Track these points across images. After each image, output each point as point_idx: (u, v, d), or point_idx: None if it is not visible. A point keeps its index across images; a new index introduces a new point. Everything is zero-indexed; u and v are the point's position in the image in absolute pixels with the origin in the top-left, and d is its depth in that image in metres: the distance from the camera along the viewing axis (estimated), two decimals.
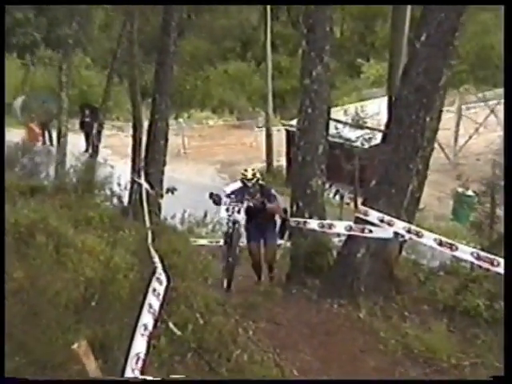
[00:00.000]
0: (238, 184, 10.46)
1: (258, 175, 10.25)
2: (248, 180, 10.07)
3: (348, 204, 21.08)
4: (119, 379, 4.68)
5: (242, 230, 10.38)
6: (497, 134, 25.29)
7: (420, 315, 8.29)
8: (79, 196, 13.97)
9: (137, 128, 17.70)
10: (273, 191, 10.35)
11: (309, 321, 8.16)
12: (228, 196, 10.36)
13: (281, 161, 28.37)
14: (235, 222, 10.14)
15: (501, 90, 28.48)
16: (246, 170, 10.36)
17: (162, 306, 6.05)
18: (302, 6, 10.67)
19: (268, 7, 29.76)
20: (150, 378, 4.70)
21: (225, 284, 10.19)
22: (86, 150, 22.26)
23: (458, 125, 27.39)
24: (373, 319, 8.04)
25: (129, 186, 16.67)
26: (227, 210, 10.09)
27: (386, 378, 6.04)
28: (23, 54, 35.69)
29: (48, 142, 24.00)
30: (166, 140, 16.23)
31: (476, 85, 29.19)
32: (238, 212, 10.08)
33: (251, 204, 10.02)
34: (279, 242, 15.48)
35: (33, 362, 5.74)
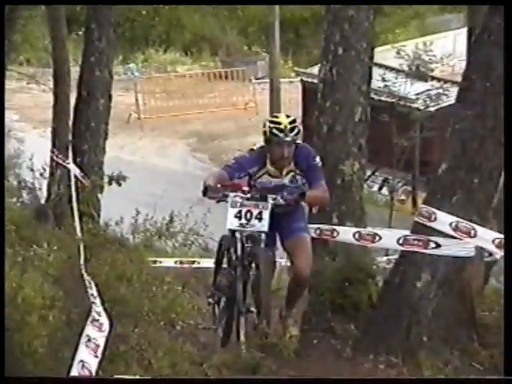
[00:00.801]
0: (248, 153, 9.04)
1: (297, 124, 8.80)
2: (283, 131, 8.50)
3: (402, 202, 21.21)
4: (119, 378, 4.75)
5: (263, 251, 8.67)
6: None
7: None
8: None
9: (60, 78, 17.72)
10: (317, 159, 8.90)
11: None
12: (239, 178, 8.75)
13: None
14: (254, 240, 8.52)
15: None
16: (276, 117, 8.93)
17: (100, 364, 6.08)
18: None
19: None
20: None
21: (220, 334, 9.12)
22: None
23: None
24: None
25: (47, 173, 16.69)
26: (239, 215, 8.43)
27: (386, 378, 6.46)
28: None
29: None
30: (109, 98, 16.28)
31: None
32: (259, 219, 8.42)
33: (282, 201, 8.50)
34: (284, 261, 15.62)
35: None
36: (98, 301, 7.05)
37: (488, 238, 8.30)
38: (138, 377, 4.93)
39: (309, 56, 26.43)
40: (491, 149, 8.60)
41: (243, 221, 8.19)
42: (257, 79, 32.33)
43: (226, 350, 9.15)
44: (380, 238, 9.50)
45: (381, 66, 19.60)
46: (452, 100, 16.98)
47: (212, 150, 28.69)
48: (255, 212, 8.19)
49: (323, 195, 8.78)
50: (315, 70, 15.58)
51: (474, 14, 12.36)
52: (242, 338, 8.31)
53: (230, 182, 8.57)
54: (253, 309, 8.02)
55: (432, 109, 22.69)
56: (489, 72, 8.61)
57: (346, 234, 9.75)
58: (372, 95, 10.52)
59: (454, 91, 16.74)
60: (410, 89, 24.20)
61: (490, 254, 8.64)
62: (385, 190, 21.88)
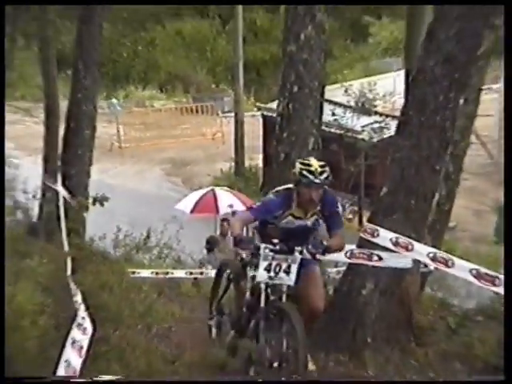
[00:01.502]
0: (274, 196, 7.93)
1: (327, 169, 7.68)
2: (313, 174, 7.56)
3: (350, 220, 21.22)
4: (120, 379, 4.72)
5: (291, 306, 7.61)
6: None
7: (450, 376, 8.34)
8: None
9: (51, 111, 17.68)
10: (339, 206, 8.18)
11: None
12: (265, 222, 7.91)
13: (255, 159, 28.47)
14: (278, 292, 7.67)
15: None
16: (308, 160, 7.81)
17: (84, 363, 6.04)
18: None
19: None
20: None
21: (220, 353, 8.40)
22: None
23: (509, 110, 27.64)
24: (384, 378, 8.09)
25: (39, 195, 16.62)
26: (268, 268, 7.55)
27: (386, 380, 6.41)
28: None
29: None
30: (94, 129, 16.23)
31: None
32: (287, 272, 7.57)
33: (308, 255, 7.68)
34: (253, 273, 15.55)
35: None
36: (82, 307, 7.01)
37: (423, 251, 8.34)
38: (137, 379, 4.74)
39: (268, 93, 26.45)
40: (426, 175, 8.67)
41: (272, 274, 7.43)
42: (223, 113, 32.31)
43: (194, 347, 9.14)
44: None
45: (331, 102, 19.60)
46: (392, 132, 17.06)
47: (184, 175, 28.64)
48: (284, 265, 7.42)
49: (341, 244, 8.06)
50: (274, 105, 15.55)
51: (411, 58, 12.41)
52: None
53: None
54: (275, 365, 7.21)
55: (375, 140, 22.80)
56: (423, 108, 8.67)
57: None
58: (323, 127, 10.52)
59: (393, 125, 16.79)
60: (356, 122, 24.30)
61: (425, 266, 8.64)
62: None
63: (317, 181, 7.38)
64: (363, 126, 23.98)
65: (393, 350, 8.62)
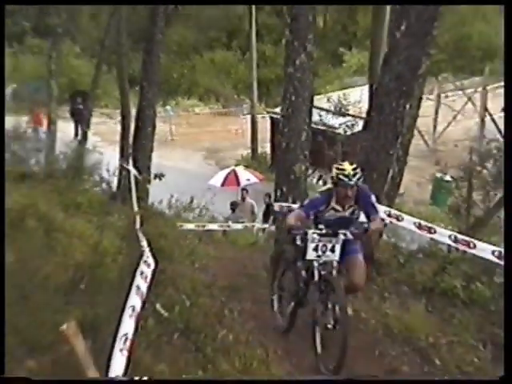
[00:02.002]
0: (320, 194, 7.39)
1: (359, 171, 7.02)
2: (347, 177, 6.93)
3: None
4: (120, 379, 4.66)
5: (336, 279, 7.05)
6: (474, 121, 25.48)
7: (399, 296, 8.34)
8: (69, 182, 13.92)
9: (125, 115, 17.68)
10: (373, 197, 7.42)
11: None
12: (315, 215, 7.27)
13: (265, 147, 28.39)
14: (328, 268, 7.07)
15: (477, 79, 28.84)
16: (341, 165, 7.06)
17: (149, 288, 6.04)
18: None
19: None
20: (149, 379, 4.65)
21: (280, 321, 7.73)
22: (76, 137, 22.14)
23: (436, 112, 27.59)
24: (354, 300, 8.05)
25: (117, 172, 16.62)
26: (315, 249, 6.99)
27: (386, 379, 5.66)
28: (11, 42, 35.80)
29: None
30: (154, 127, 16.22)
31: (454, 73, 29.37)
32: (332, 251, 7.02)
33: (350, 236, 7.06)
34: (264, 225, 15.37)
35: (22, 342, 5.74)
36: (147, 249, 7.01)
37: (381, 210, 8.31)
38: (136, 378, 4.64)
39: (274, 101, 26.27)
40: (383, 157, 8.68)
41: (319, 253, 6.92)
42: (243, 115, 32.16)
43: (223, 277, 9.10)
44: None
45: (317, 107, 19.44)
46: (360, 128, 17.00)
47: (216, 158, 28.58)
48: (329, 246, 6.93)
49: (380, 226, 7.62)
50: (278, 109, 15.45)
51: (373, 76, 12.30)
52: (319, 350, 6.83)
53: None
54: (329, 326, 6.72)
55: (348, 133, 22.67)
56: (381, 111, 8.66)
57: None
58: (312, 125, 10.46)
59: (361, 123, 16.72)
60: (335, 121, 24.17)
61: (383, 220, 8.61)
62: (320, 182, 21.75)
63: (351, 182, 6.85)
64: (340, 124, 23.85)
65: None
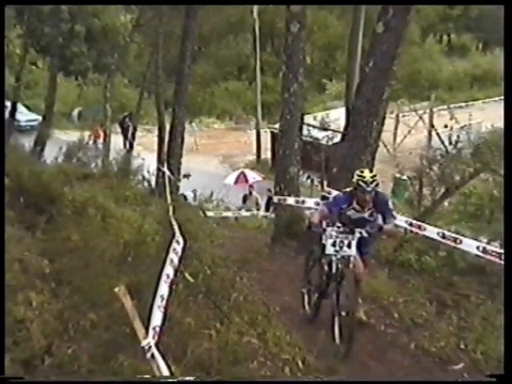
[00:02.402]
0: (342, 194, 6.65)
1: (377, 178, 6.32)
2: (366, 183, 6.22)
3: (316, 186, 21.09)
4: (121, 380, 4.62)
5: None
6: (423, 135, 25.40)
7: (368, 267, 8.29)
8: (119, 180, 13.91)
9: (161, 130, 17.70)
10: (389, 203, 6.64)
11: (288, 271, 8.16)
12: (337, 212, 6.47)
13: (267, 154, 28.36)
14: (345, 262, 6.33)
15: (426, 103, 28.78)
16: (362, 172, 6.35)
17: (179, 260, 6.04)
18: (282, 40, 10.55)
19: (258, 41, 29.71)
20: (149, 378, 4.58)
21: (308, 312, 6.97)
22: (124, 147, 22.13)
23: (395, 128, 27.54)
24: None
25: (155, 173, 16.62)
26: (333, 244, 6.25)
27: (386, 380, 5.32)
28: (78, 77, 36.07)
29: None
30: (183, 139, 16.20)
31: (409, 99, 29.37)
32: (349, 246, 6.27)
33: (365, 234, 6.29)
34: (266, 213, 15.32)
35: (86, 300, 5.74)
36: (177, 231, 7.00)
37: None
38: (137, 377, 4.65)
39: (274, 119, 26.22)
40: (356, 162, 8.59)
41: (337, 248, 6.20)
42: (250, 130, 32.11)
43: (236, 252, 9.07)
44: (306, 202, 9.43)
45: (306, 124, 19.39)
46: (338, 140, 16.94)
47: (230, 162, 28.51)
48: (346, 242, 6.20)
49: (395, 230, 6.95)
50: (277, 125, 15.41)
51: (349, 100, 12.24)
52: (337, 335, 6.12)
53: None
54: (343, 314, 6.11)
55: (330, 143, 22.61)
56: (355, 127, 8.61)
57: (291, 200, 9.65)
58: (302, 137, 10.43)
59: (339, 136, 16.66)
60: (319, 134, 24.12)
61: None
62: (309, 181, 21.70)
63: (369, 189, 6.15)
64: (323, 136, 23.79)
65: None
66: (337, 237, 6.20)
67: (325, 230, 6.23)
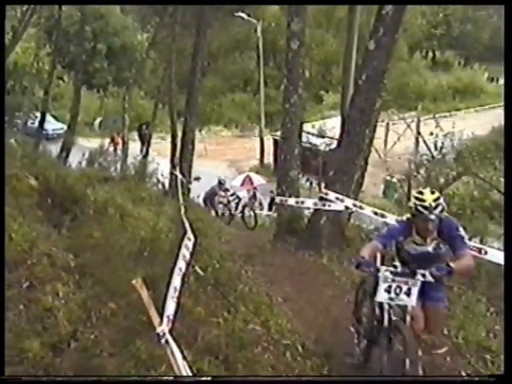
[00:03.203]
0: (397, 223, 4.82)
1: (441, 201, 4.43)
2: (428, 209, 4.37)
3: (314, 188, 21.08)
4: (123, 380, 4.56)
5: (408, 329, 4.49)
6: (411, 142, 25.35)
7: None
8: (136, 183, 13.91)
9: (174, 137, 17.62)
10: (461, 229, 4.54)
11: (289, 265, 8.14)
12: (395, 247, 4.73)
13: (269, 159, 28.35)
14: (400, 313, 4.54)
15: (413, 113, 28.76)
16: (421, 193, 4.49)
17: (191, 255, 6.04)
18: (283, 56, 10.54)
19: (261, 57, 29.69)
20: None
21: (359, 356, 5.21)
22: (141, 152, 22.13)
23: (386, 135, 27.47)
24: (331, 264, 8.03)
25: (168, 176, 16.62)
26: (388, 290, 4.43)
27: (387, 380, 4.50)
28: (99, 90, 36.24)
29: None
30: (193, 145, 16.16)
31: (398, 109, 29.34)
32: (408, 294, 4.42)
33: (431, 278, 4.34)
34: (269, 213, 15.25)
35: (106, 291, 5.75)
36: (189, 229, 6.99)
37: (349, 202, 8.26)
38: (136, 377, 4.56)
39: (276, 127, 26.19)
40: (351, 166, 8.58)
41: (392, 295, 4.39)
42: (254, 137, 32.08)
43: (241, 248, 9.04)
44: (305, 202, 9.41)
45: (305, 132, 19.38)
46: (335, 146, 16.90)
47: (236, 167, 28.53)
48: (404, 288, 4.38)
49: (469, 264, 4.45)
50: (279, 133, 15.39)
51: (343, 110, 12.18)
52: None
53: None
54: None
55: (327, 149, 22.59)
56: (349, 134, 8.58)
57: (291, 201, 9.60)
58: (302, 144, 10.41)
59: (335, 142, 16.64)
60: (317, 141, 24.13)
61: (350, 209, 8.54)
62: (308, 183, 21.69)
63: (432, 217, 4.35)
64: (321, 143, 23.80)
65: (335, 248, 8.53)
66: (393, 280, 4.43)
67: (378, 271, 4.49)
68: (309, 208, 9.56)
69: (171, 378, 4.13)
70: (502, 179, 10.50)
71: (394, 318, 4.58)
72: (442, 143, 11.69)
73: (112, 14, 38.98)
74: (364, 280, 5.30)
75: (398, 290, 4.43)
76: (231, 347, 5.19)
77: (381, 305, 4.66)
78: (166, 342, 4.32)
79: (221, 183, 16.74)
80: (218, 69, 40.60)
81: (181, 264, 5.48)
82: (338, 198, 8.32)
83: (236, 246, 9.41)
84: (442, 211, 4.40)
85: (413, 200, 4.48)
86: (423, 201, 4.40)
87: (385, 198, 21.05)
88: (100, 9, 36.78)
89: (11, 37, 17.94)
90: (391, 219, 7.38)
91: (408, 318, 4.51)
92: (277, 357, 5.30)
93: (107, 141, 21.23)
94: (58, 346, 4.93)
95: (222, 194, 15.86)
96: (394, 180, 19.09)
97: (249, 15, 31.53)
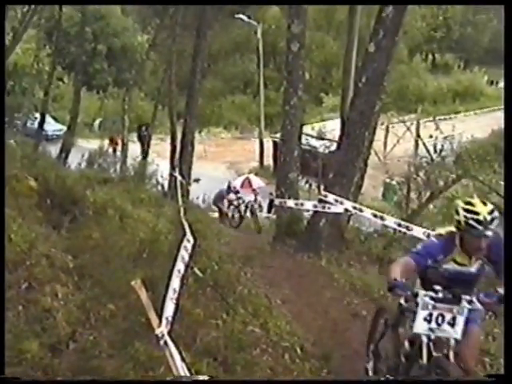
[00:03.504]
0: (436, 238, 3.96)
1: (497, 214, 3.67)
2: (482, 224, 3.61)
3: (314, 190, 21.08)
4: (122, 380, 4.56)
5: (454, 368, 3.70)
6: (411, 144, 25.39)
7: (361, 263, 8.29)
8: (135, 184, 13.92)
9: (174, 139, 17.67)
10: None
11: (288, 267, 8.13)
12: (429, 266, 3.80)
13: (269, 161, 28.36)
14: (442, 348, 3.75)
15: (413, 115, 28.83)
16: (472, 204, 3.70)
17: (190, 257, 6.03)
18: (283, 58, 10.56)
19: (261, 59, 29.70)
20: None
21: None
22: (141, 154, 22.15)
23: (386, 137, 27.51)
24: (330, 266, 8.01)
25: (168, 178, 16.62)
26: (428, 319, 3.67)
27: (384, 379, 4.20)
28: (99, 91, 36.33)
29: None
30: (193, 147, 16.19)
31: (397, 111, 29.39)
32: (452, 324, 3.68)
33: (479, 305, 3.72)
34: (268, 215, 15.27)
35: (105, 292, 5.75)
36: (188, 230, 6.97)
37: (349, 204, 8.25)
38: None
39: (275, 129, 26.18)
40: (350, 168, 8.58)
41: (433, 325, 3.63)
42: (254, 139, 32.09)
43: (241, 249, 9.02)
44: (305, 204, 9.40)
45: (305, 134, 19.40)
46: (334, 148, 16.91)
47: (236, 168, 28.54)
48: (448, 316, 3.64)
49: None
50: (278, 135, 15.39)
51: (343, 112, 12.21)
52: None
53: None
54: None
55: (326, 152, 22.60)
56: (349, 136, 8.59)
57: (290, 203, 9.62)
58: (301, 146, 10.43)
59: (335, 145, 16.65)
60: (317, 143, 24.15)
61: (349, 211, 8.54)
62: (307, 185, 21.68)
63: (488, 232, 3.60)
64: (320, 145, 23.84)
65: (334, 251, 8.53)
66: (434, 307, 3.67)
67: (416, 296, 3.71)
68: (308, 210, 9.56)
69: (170, 379, 4.13)
70: (502, 182, 10.50)
71: (434, 354, 3.75)
72: (442, 146, 11.72)
73: (112, 15, 39.03)
74: (383, 308, 4.74)
75: (439, 320, 3.68)
76: (230, 349, 5.19)
77: (416, 337, 3.84)
78: (165, 343, 4.32)
79: (229, 186, 16.65)
80: (218, 70, 40.60)
81: (180, 266, 5.47)
82: (337, 201, 8.31)
83: (235, 247, 9.38)
84: (497, 225, 3.65)
85: (462, 212, 3.71)
86: (476, 214, 3.63)
87: (384, 200, 21.05)
88: (100, 10, 36.84)
89: (11, 38, 17.95)
90: (389, 220, 7.36)
91: (451, 355, 3.72)
92: (275, 359, 5.30)
93: (107, 142, 21.26)
94: (57, 347, 4.92)
95: (233, 196, 15.74)
96: (394, 182, 19.06)
97: (249, 17, 31.55)
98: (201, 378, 3.91)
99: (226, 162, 29.52)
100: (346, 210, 8.42)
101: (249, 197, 15.89)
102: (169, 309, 4.70)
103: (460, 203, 3.78)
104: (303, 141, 12.08)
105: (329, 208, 8.48)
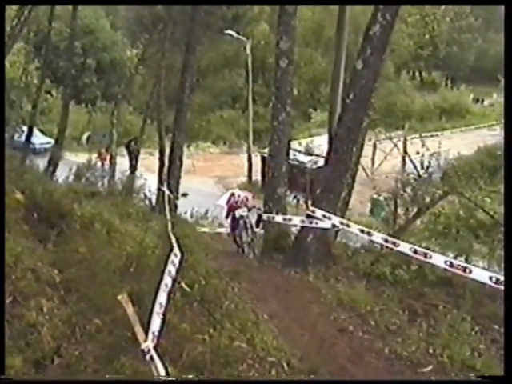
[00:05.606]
0: None
1: None
2: None
3: (302, 205, 21.11)
4: (121, 379, 4.58)
5: None
6: (398, 160, 25.60)
7: (348, 278, 8.29)
8: (123, 198, 13.87)
9: (162, 153, 17.66)
10: None
11: (275, 282, 8.14)
12: None
13: (257, 176, 28.41)
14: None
15: (400, 132, 29.13)
16: None
17: (177, 271, 6.02)
18: (272, 73, 10.66)
19: (250, 74, 29.88)
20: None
21: None
22: (129, 168, 22.11)
23: (373, 154, 27.72)
24: (317, 281, 8.02)
25: (156, 192, 16.58)
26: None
27: (384, 379, 4.61)
28: (88, 104, 36.29)
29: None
30: (181, 161, 16.17)
31: (385, 128, 29.68)
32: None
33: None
34: (256, 229, 15.33)
35: (91, 307, 5.71)
36: (175, 245, 6.98)
37: (336, 220, 8.30)
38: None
39: (264, 144, 26.28)
40: (337, 184, 8.64)
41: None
42: (242, 154, 32.15)
43: (228, 265, 9.00)
44: (293, 220, 9.43)
45: (293, 149, 19.49)
46: (322, 163, 17.02)
47: (224, 183, 28.46)
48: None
49: None
50: (266, 150, 15.46)
51: (331, 128, 12.30)
52: None
53: None
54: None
55: (314, 167, 22.69)
56: (336, 152, 8.65)
57: (278, 218, 9.65)
58: (289, 161, 10.48)
59: (322, 160, 16.74)
60: (304, 159, 24.25)
61: (337, 227, 8.57)
62: (295, 201, 21.70)
63: None
64: (308, 161, 23.93)
65: (321, 266, 8.54)
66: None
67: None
68: (296, 225, 9.59)
69: (165, 379, 4.09)
70: (487, 199, 10.61)
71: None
72: (429, 162, 11.80)
73: (102, 30, 39.22)
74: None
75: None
76: (216, 364, 5.17)
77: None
78: (151, 358, 4.31)
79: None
80: (207, 85, 40.80)
81: (167, 280, 5.47)
82: (324, 216, 8.36)
83: (223, 262, 9.35)
84: None
85: None
86: None
87: (372, 216, 21.12)
88: (89, 24, 36.98)
89: None
90: (376, 236, 7.41)
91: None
92: (262, 374, 5.29)
93: (95, 156, 21.21)
94: (41, 362, 4.88)
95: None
96: (381, 198, 19.17)
97: (238, 33, 31.80)
98: (190, 376, 3.88)
99: (214, 177, 29.51)
100: (334, 225, 8.45)
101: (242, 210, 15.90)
102: (155, 323, 4.69)
103: None
104: (291, 156, 12.13)
105: (316, 223, 8.51)
